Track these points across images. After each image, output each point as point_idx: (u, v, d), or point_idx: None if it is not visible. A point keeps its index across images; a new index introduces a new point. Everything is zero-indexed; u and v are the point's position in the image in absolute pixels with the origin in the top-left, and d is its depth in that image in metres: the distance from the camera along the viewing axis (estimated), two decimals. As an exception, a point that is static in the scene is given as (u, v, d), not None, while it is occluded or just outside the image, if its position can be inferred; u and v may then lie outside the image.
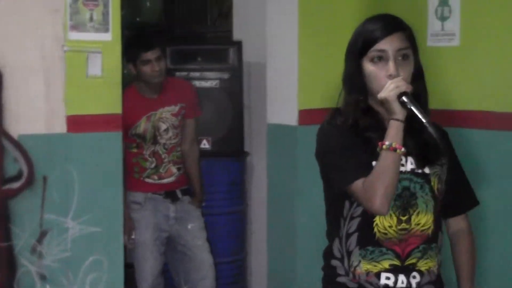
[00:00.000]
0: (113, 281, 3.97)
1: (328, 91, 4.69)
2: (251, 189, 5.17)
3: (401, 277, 2.40)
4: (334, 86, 4.63)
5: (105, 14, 3.97)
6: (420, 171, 2.40)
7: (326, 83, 4.69)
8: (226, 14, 6.27)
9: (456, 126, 4.16)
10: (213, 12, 6.67)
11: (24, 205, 3.88)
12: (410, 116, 2.31)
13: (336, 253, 2.50)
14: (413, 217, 2.38)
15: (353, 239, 2.43)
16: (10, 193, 3.85)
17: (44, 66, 3.89)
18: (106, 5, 3.95)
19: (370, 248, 2.40)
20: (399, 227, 2.38)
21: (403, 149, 2.30)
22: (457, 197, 2.50)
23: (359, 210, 2.39)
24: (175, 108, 4.49)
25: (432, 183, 2.40)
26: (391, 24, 2.44)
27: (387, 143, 2.29)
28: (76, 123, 3.92)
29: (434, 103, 4.13)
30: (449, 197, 2.46)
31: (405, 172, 2.39)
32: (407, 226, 2.38)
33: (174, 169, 4.50)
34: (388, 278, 2.40)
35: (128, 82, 4.41)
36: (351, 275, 2.44)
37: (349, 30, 4.58)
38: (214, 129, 4.92)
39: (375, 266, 2.40)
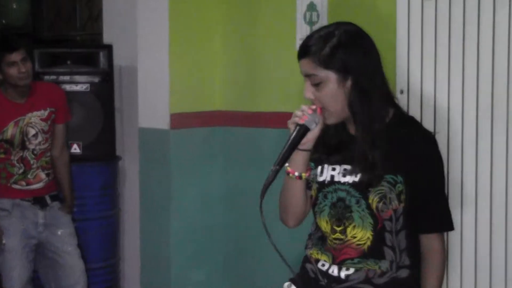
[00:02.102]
0: None
1: (199, 95, 4.75)
2: (123, 194, 5.12)
3: (334, 268, 2.47)
4: (206, 89, 4.73)
5: (-31, 16, 3.87)
6: (360, 186, 2.39)
7: (198, 86, 4.73)
8: (95, 17, 6.20)
9: None
10: (82, 15, 6.57)
11: None
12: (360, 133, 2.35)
13: (310, 229, 2.61)
14: (348, 229, 2.41)
15: (313, 225, 2.57)
16: None
17: None
18: None
19: (319, 241, 2.52)
20: (333, 236, 2.44)
21: (295, 174, 2.40)
22: (428, 215, 2.41)
23: None
24: (44, 113, 4.39)
25: (370, 200, 2.37)
26: (300, 48, 2.40)
27: (286, 165, 2.38)
28: None
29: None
30: (419, 213, 2.40)
31: (344, 184, 2.41)
32: (343, 237, 2.42)
33: (43, 175, 4.40)
34: (323, 265, 2.50)
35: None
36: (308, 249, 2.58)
37: (219, 33, 4.70)
38: (85, 133, 4.84)
39: (317, 253, 2.51)
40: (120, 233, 5.14)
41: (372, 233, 2.39)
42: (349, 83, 2.34)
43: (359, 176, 2.39)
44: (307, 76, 2.36)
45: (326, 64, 2.33)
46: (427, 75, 3.80)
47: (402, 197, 2.37)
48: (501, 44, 3.55)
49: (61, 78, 4.85)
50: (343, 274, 2.45)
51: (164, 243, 4.69)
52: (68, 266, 4.41)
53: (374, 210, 2.37)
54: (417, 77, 3.82)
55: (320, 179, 2.48)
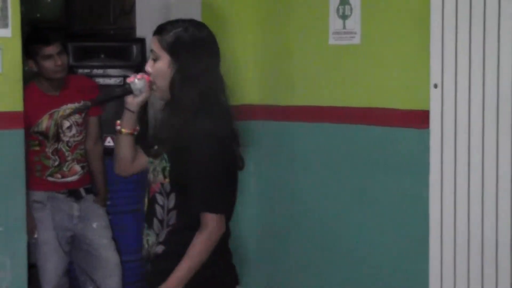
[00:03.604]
0: (16, 282, 3.90)
1: (233, 89, 4.67)
2: None
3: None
4: (240, 83, 4.71)
5: (4, 10, 3.89)
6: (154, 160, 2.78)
7: (232, 81, 4.56)
8: (128, 11, 6.23)
9: (358, 123, 4.27)
10: (115, 9, 6.61)
11: None
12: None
13: None
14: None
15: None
16: None
17: None
18: (4, 1, 3.87)
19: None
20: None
21: (117, 128, 2.87)
22: (192, 196, 2.70)
23: None
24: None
25: (150, 170, 2.80)
26: (156, 28, 2.80)
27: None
28: None
29: (337, 101, 4.30)
30: (188, 194, 2.71)
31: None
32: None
33: (78, 168, 4.44)
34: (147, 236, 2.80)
35: (28, 79, 4.33)
36: None
37: (252, 27, 4.70)
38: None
39: None
40: None
41: (147, 199, 2.82)
42: (175, 68, 2.74)
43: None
44: (151, 51, 2.76)
45: (165, 46, 2.74)
46: (461, 69, 3.79)
47: (166, 173, 2.72)
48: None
49: (95, 71, 4.88)
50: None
51: None
52: (103, 259, 4.44)
53: (149, 179, 2.79)
54: (451, 71, 3.81)
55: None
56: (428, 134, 3.94)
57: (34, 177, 4.34)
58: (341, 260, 4.40)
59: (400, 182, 4.11)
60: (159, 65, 2.74)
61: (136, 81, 2.80)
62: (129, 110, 2.86)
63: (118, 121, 2.88)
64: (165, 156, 2.73)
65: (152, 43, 2.76)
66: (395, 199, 4.14)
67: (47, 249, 4.37)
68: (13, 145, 3.88)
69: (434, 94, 3.89)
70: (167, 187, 2.72)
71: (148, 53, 4.87)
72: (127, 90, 2.84)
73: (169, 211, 2.73)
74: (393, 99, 4.12)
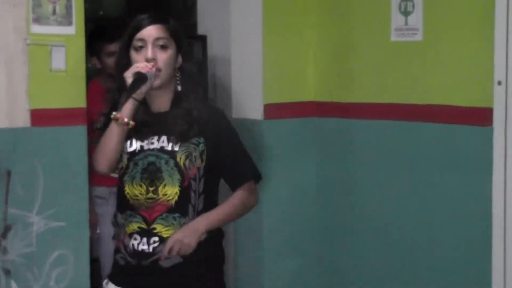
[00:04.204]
0: (78, 276, 3.97)
1: (293, 85, 4.77)
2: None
3: (144, 239, 2.76)
4: (300, 80, 4.74)
5: (68, 7, 3.95)
6: (169, 148, 2.76)
7: (291, 77, 4.74)
8: (190, 8, 6.27)
9: (419, 121, 4.23)
10: (177, 6, 6.66)
11: None
12: (177, 98, 2.75)
13: (112, 218, 2.93)
14: (160, 188, 2.74)
15: (117, 204, 2.88)
16: None
17: (6, 60, 3.87)
18: None
19: (128, 212, 2.80)
20: (147, 196, 2.75)
21: (125, 120, 2.70)
22: (232, 173, 2.85)
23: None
24: (140, 102, 4.47)
25: (178, 159, 2.74)
26: (153, 17, 2.80)
27: (113, 113, 2.71)
28: (40, 117, 3.91)
29: (398, 98, 4.28)
30: (226, 173, 2.84)
31: (154, 149, 2.77)
32: (155, 196, 2.75)
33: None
34: (135, 239, 2.78)
35: (91, 76, 4.39)
36: (117, 236, 2.86)
37: (313, 23, 4.70)
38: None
39: (128, 227, 2.80)
40: None
41: (179, 189, 2.74)
42: (180, 58, 2.82)
43: (170, 141, 2.76)
44: (157, 39, 2.74)
45: (173, 34, 2.79)
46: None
47: (204, 156, 2.77)
48: None
49: (157, 67, 4.92)
50: (151, 247, 2.76)
51: (257, 233, 4.73)
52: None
53: (182, 167, 2.75)
54: (515, 68, 3.77)
55: (130, 149, 2.82)
56: (491, 132, 3.89)
57: (97, 173, 4.40)
58: (400, 260, 4.37)
59: (462, 180, 4.07)
60: (170, 53, 2.76)
61: (149, 71, 2.76)
62: (136, 99, 2.74)
63: (118, 113, 2.74)
64: (201, 139, 2.76)
65: (157, 32, 2.75)
66: (456, 198, 4.10)
67: (109, 245, 4.43)
68: (76, 141, 3.95)
69: (498, 91, 3.85)
70: (202, 172, 2.77)
71: (212, 51, 4.97)
72: (144, 78, 2.75)
73: (199, 195, 2.78)
74: (456, 96, 4.08)
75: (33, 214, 3.92)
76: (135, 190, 2.77)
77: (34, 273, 3.94)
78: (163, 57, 2.75)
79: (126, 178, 2.81)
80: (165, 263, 2.74)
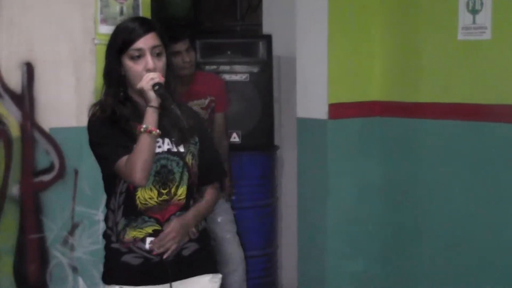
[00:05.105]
0: None
1: (358, 85, 4.75)
2: (281, 183, 5.19)
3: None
4: (365, 79, 4.74)
5: (135, 8, 4.01)
6: (175, 150, 2.83)
7: (356, 76, 4.74)
8: (255, 8, 6.30)
9: (485, 120, 4.20)
10: (242, 6, 6.69)
11: (56, 198, 3.94)
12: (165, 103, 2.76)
13: (109, 223, 2.88)
14: (173, 190, 2.81)
15: (120, 211, 2.83)
16: (42, 186, 3.92)
17: (75, 59, 3.94)
18: None
19: (133, 217, 2.81)
20: (160, 199, 2.81)
21: (157, 131, 2.72)
22: (207, 171, 2.92)
23: (125, 187, 2.80)
24: (204, 102, 4.50)
25: (187, 160, 2.83)
26: (145, 25, 2.82)
27: (144, 126, 2.71)
28: None
29: (464, 98, 4.24)
30: (202, 170, 2.89)
31: (162, 152, 2.81)
32: (168, 198, 2.81)
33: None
34: (151, 243, 2.81)
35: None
36: (119, 241, 2.84)
37: (378, 23, 4.69)
38: (244, 122, 4.93)
39: (139, 232, 2.82)
40: (277, 222, 5.21)
41: (187, 188, 2.83)
42: (164, 56, 2.84)
43: (173, 143, 2.83)
44: (153, 47, 2.78)
45: (163, 39, 2.83)
46: None
47: (197, 154, 2.89)
48: None
49: (221, 68, 4.96)
50: None
51: (321, 233, 4.73)
52: (227, 253, 4.50)
53: (190, 166, 2.84)
54: None
55: None
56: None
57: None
58: (467, 261, 4.34)
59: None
60: (164, 60, 2.81)
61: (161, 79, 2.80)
62: (155, 107, 2.75)
63: (149, 126, 2.72)
64: (196, 139, 2.87)
65: (151, 41, 2.77)
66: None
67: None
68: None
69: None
70: (196, 168, 2.88)
71: (277, 51, 4.99)
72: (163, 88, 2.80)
73: (196, 190, 2.91)
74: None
75: (99, 212, 3.97)
76: (146, 194, 2.80)
77: (100, 270, 3.91)
78: (160, 65, 2.79)
79: None
80: (185, 252, 2.86)
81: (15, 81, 3.84)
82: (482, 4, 4.15)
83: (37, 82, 3.88)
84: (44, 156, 3.91)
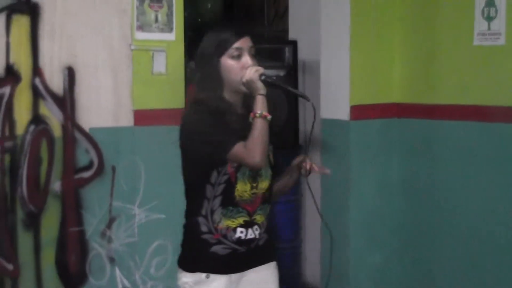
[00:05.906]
0: (175, 265, 4.12)
1: (379, 87, 4.79)
2: (305, 181, 5.22)
3: (250, 231, 2.94)
4: (385, 82, 4.76)
5: (169, 15, 4.11)
6: None
7: (377, 79, 4.79)
8: (282, 15, 6.33)
9: (501, 122, 4.24)
10: (270, 13, 6.73)
11: (95, 193, 4.05)
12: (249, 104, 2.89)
13: (203, 211, 2.93)
14: (259, 183, 2.94)
15: (217, 200, 2.91)
16: (82, 182, 4.03)
17: (113, 64, 4.05)
18: (170, 7, 4.10)
19: (230, 208, 2.92)
20: (252, 192, 2.93)
21: (270, 116, 2.88)
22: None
23: (224, 178, 2.89)
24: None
25: (270, 157, 2.99)
26: (242, 29, 2.96)
27: (259, 112, 2.85)
28: (142, 117, 4.07)
29: (480, 100, 4.31)
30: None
31: None
32: (256, 191, 2.94)
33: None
34: (241, 232, 2.93)
35: (191, 79, 4.54)
36: (213, 230, 2.92)
37: (398, 28, 4.74)
38: (271, 124, 4.99)
39: (233, 222, 2.93)
40: (302, 217, 5.27)
41: (269, 182, 2.98)
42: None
43: None
44: (250, 48, 2.91)
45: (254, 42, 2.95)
46: None
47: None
48: None
49: (250, 72, 5.05)
50: (257, 234, 2.96)
51: (344, 228, 4.76)
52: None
53: (271, 161, 3.00)
54: None
55: None
56: None
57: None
58: (484, 258, 4.36)
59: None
60: (256, 61, 2.95)
61: None
62: (264, 95, 2.90)
63: (263, 111, 2.87)
64: None
65: (249, 43, 2.92)
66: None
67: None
68: (174, 140, 4.11)
69: None
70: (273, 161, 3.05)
71: (302, 55, 5.02)
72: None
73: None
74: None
75: (135, 207, 4.10)
76: (243, 187, 2.91)
77: (136, 261, 4.12)
78: (255, 62, 2.94)
79: (239, 175, 2.91)
80: (260, 241, 2.99)
81: (57, 84, 3.94)
82: (496, 11, 4.22)
83: (78, 85, 3.98)
84: (84, 155, 4.02)
